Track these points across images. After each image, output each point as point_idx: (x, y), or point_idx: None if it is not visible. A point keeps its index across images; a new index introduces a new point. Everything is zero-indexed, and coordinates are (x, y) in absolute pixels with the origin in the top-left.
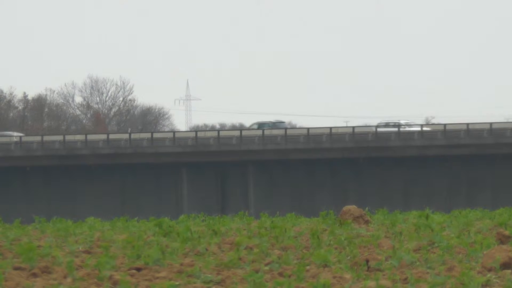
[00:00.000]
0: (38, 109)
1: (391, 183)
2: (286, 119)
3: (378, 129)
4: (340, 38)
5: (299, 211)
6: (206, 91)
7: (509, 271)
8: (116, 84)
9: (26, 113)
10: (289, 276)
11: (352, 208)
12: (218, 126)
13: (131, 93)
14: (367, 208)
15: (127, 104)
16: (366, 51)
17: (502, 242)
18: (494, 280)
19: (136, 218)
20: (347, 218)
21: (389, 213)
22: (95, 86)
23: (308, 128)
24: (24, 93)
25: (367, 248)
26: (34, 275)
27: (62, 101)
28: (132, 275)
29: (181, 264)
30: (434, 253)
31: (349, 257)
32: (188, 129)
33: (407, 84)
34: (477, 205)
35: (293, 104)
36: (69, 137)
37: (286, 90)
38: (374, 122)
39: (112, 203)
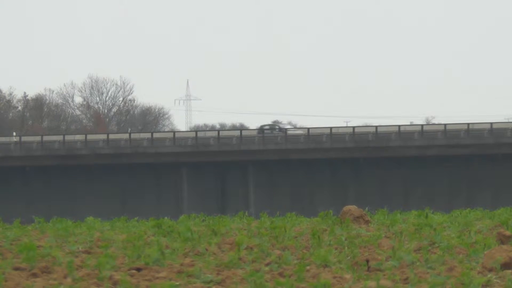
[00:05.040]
0: (38, 109)
1: (391, 183)
2: (286, 119)
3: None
4: (340, 38)
5: (299, 211)
6: (206, 91)
7: (510, 271)
8: (116, 84)
9: (26, 113)
10: (289, 276)
11: (352, 208)
12: (218, 126)
13: (131, 93)
14: (367, 208)
15: (127, 104)
16: (366, 51)
17: (502, 242)
18: (495, 280)
19: (136, 218)
20: (347, 218)
21: (389, 213)
22: (95, 86)
23: (308, 128)
24: (24, 93)
25: (367, 248)
26: (34, 275)
27: (62, 101)
28: (132, 275)
29: (181, 264)
30: (435, 253)
31: (349, 257)
32: (188, 129)
33: (407, 84)
34: (477, 205)
35: (293, 104)
36: (69, 137)
37: (286, 90)
38: (374, 122)
39: (112, 203)
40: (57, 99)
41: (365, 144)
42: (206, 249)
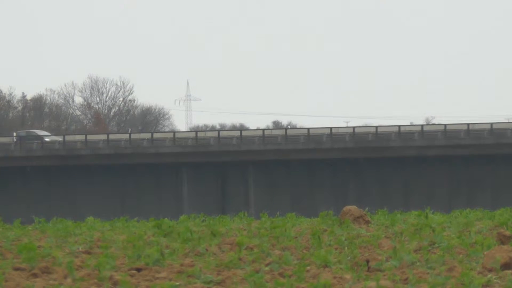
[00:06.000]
0: (38, 109)
1: (391, 183)
2: (286, 119)
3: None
4: (341, 38)
5: (299, 211)
6: (206, 91)
7: (510, 271)
8: (116, 84)
9: (25, 113)
10: (290, 276)
11: (352, 208)
12: (218, 126)
13: (131, 93)
14: (367, 208)
15: (127, 104)
16: (366, 51)
17: (502, 243)
18: (495, 280)
19: (136, 218)
20: (347, 218)
21: (389, 213)
22: (95, 86)
23: (308, 128)
24: (23, 93)
25: (367, 248)
26: (34, 275)
27: (62, 101)
28: (132, 276)
29: (181, 265)
30: (435, 253)
31: (349, 258)
32: (188, 129)
33: (407, 84)
34: (477, 205)
35: (293, 104)
36: (69, 137)
37: (286, 90)
38: (374, 122)
39: (112, 203)
40: (58, 99)
41: (365, 144)
42: (206, 249)
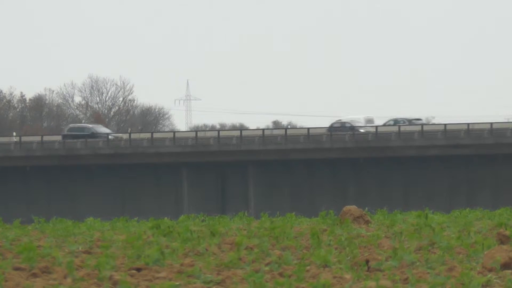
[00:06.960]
0: (38, 109)
1: (391, 183)
2: (286, 119)
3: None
4: (340, 38)
5: (299, 211)
6: (206, 91)
7: (510, 271)
8: (116, 84)
9: (24, 113)
10: (289, 276)
11: (352, 208)
12: (218, 126)
13: (131, 93)
14: (367, 208)
15: (127, 104)
16: (366, 51)
17: (502, 243)
18: (495, 280)
19: (136, 218)
20: (347, 218)
21: (389, 213)
22: (95, 86)
23: (308, 128)
24: (21, 93)
25: (367, 248)
26: (34, 275)
27: (62, 101)
28: (132, 275)
29: (181, 264)
30: (435, 253)
31: (349, 257)
32: (188, 129)
33: (407, 84)
34: (477, 205)
35: (293, 104)
36: None
37: (286, 90)
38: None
39: (112, 203)
40: (57, 99)
41: (365, 144)
42: (206, 249)
